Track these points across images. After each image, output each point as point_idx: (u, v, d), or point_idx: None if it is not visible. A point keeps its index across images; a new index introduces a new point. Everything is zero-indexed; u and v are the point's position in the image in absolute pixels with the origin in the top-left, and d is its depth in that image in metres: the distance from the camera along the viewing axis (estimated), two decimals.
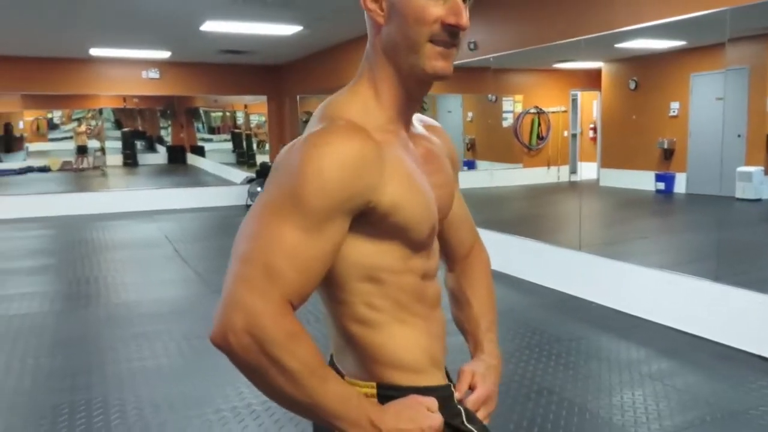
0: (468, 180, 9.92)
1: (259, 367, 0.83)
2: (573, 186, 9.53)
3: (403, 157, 0.96)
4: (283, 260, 0.83)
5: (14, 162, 14.74)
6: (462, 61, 6.31)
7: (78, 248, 7.22)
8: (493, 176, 9.38)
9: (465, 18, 0.94)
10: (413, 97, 1.01)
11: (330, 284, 0.95)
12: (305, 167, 0.84)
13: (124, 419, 2.92)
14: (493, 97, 9.26)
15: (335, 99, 0.99)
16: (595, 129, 9.72)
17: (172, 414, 2.98)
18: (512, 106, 9.58)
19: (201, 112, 16.14)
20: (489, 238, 6.06)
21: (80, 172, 14.37)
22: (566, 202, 8.63)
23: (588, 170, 9.39)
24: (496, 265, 5.41)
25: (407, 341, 0.99)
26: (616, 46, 6.85)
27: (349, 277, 0.94)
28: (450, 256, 1.25)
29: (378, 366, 0.98)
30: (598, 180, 8.77)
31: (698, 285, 3.96)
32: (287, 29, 7.25)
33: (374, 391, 0.98)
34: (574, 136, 9.84)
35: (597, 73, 8.71)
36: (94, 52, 8.95)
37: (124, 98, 13.27)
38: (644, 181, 7.61)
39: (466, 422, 1.03)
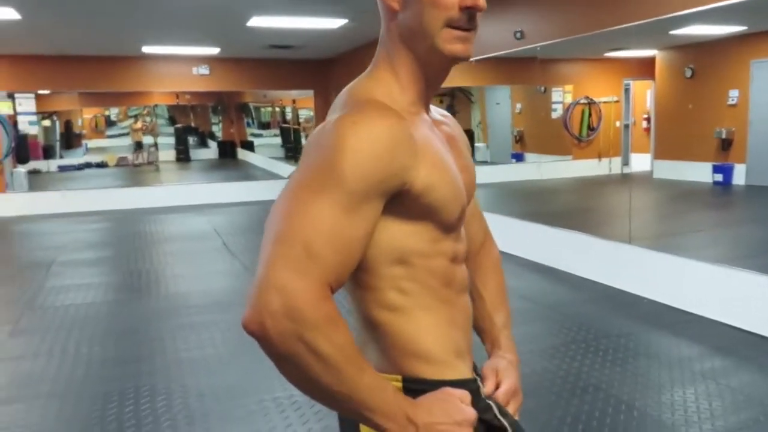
0: (516, 172, 9.77)
1: (295, 354, 0.78)
2: (625, 178, 9.26)
3: (432, 137, 0.96)
4: (323, 239, 0.79)
5: (74, 158, 15.31)
6: (508, 51, 6.21)
7: (132, 241, 7.44)
8: (541, 168, 9.21)
9: None
10: (432, 81, 0.99)
11: (358, 269, 0.92)
12: (343, 145, 0.82)
13: (170, 407, 2.99)
14: (542, 88, 9.09)
15: (358, 84, 0.98)
16: (648, 119, 9.42)
17: (216, 403, 3.04)
18: (562, 96, 9.37)
19: (251, 107, 16.40)
20: (536, 231, 5.94)
21: (136, 168, 14.81)
22: (617, 195, 8.39)
23: (641, 162, 9.11)
24: (542, 258, 5.30)
25: (434, 331, 0.96)
26: (671, 32, 6.61)
27: (379, 260, 0.92)
28: None
29: (404, 357, 0.96)
30: (651, 172, 8.50)
31: (756, 280, 3.78)
32: (333, 23, 7.28)
33: (400, 384, 0.95)
34: (626, 126, 9.56)
35: (650, 61, 8.43)
36: (147, 49, 9.19)
37: (177, 95, 13.60)
38: (700, 172, 7.34)
39: (499, 416, 1.00)
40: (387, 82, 0.96)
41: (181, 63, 10.19)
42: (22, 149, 10.88)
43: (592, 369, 3.32)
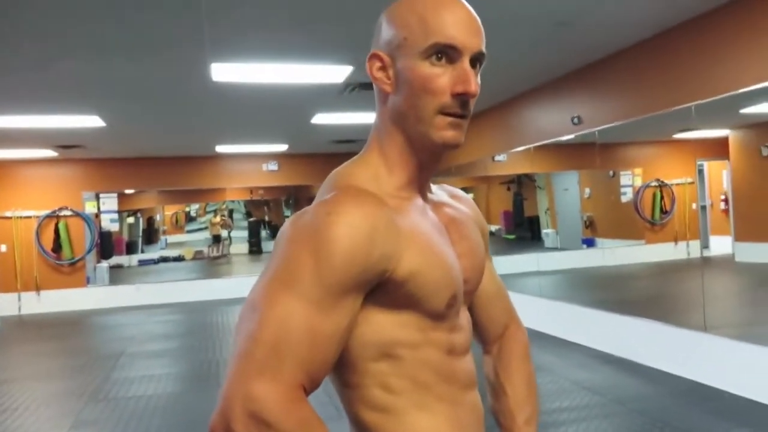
0: (587, 259, 9.45)
1: None
2: (705, 262, 8.77)
3: (420, 222, 0.90)
4: (294, 339, 0.75)
5: (154, 252, 16.06)
6: (567, 137, 6.17)
7: (201, 332, 7.57)
8: (614, 254, 8.87)
9: (474, 85, 0.88)
10: (425, 166, 0.95)
11: (340, 366, 0.87)
12: (317, 236, 0.78)
13: None
14: (611, 172, 8.92)
15: (343, 169, 0.95)
16: (726, 200, 9.01)
17: None
18: (631, 180, 9.14)
19: None
20: (606, 319, 5.65)
21: (213, 260, 15.35)
22: (695, 280, 7.93)
23: (721, 245, 8.62)
24: (612, 349, 5.00)
25: (430, 431, 0.87)
26: (741, 111, 6.41)
27: (361, 356, 0.86)
28: (482, 337, 1.14)
29: None
30: (733, 254, 8.02)
31: None
32: None
33: None
34: (703, 208, 9.17)
35: (724, 141, 8.14)
36: (220, 149, 9.73)
37: (251, 190, 14.20)
38: None
39: None
40: (375, 165, 0.93)
41: (252, 160, 10.69)
42: (106, 245, 11.54)
43: None
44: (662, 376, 4.60)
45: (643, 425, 3.64)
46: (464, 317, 0.97)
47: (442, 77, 0.88)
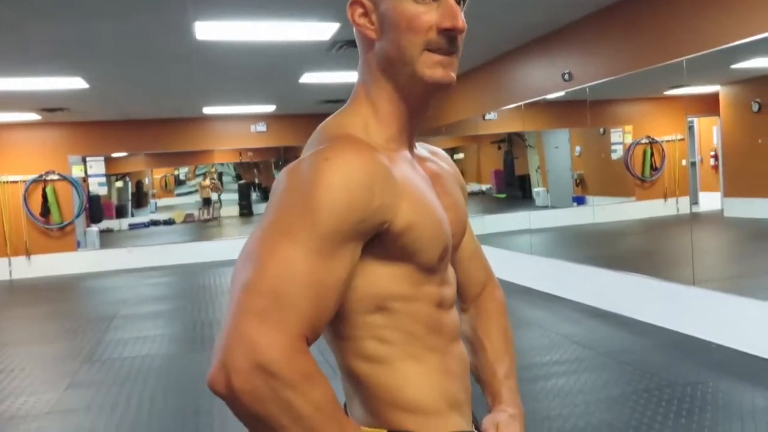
0: (577, 216, 9.50)
1: (268, 415, 0.69)
2: (694, 218, 8.83)
3: (411, 174, 0.89)
4: (296, 287, 0.72)
5: (143, 216, 15.99)
6: (558, 94, 6.12)
7: (193, 294, 7.59)
8: (604, 211, 8.92)
9: (461, 20, 0.86)
10: (415, 113, 0.93)
11: (335, 318, 0.85)
12: (316, 183, 0.76)
13: None
14: (602, 130, 8.89)
15: (332, 120, 0.93)
16: (716, 156, 9.02)
17: None
18: (622, 137, 9.12)
19: None
20: (595, 275, 5.70)
21: (203, 223, 15.31)
22: (684, 235, 8.00)
23: (710, 201, 8.66)
24: (601, 303, 5.05)
25: (421, 380, 0.88)
26: (732, 67, 6.36)
27: (356, 309, 0.85)
28: (460, 295, 1.14)
29: (388, 409, 0.87)
30: (722, 210, 8.08)
31: None
32: None
33: None
34: (693, 164, 9.18)
35: (715, 97, 8.11)
36: (207, 110, 9.61)
37: (240, 152, 14.08)
38: None
39: None
40: (364, 116, 0.91)
41: (240, 121, 10.57)
42: (95, 209, 11.45)
43: (654, 421, 3.08)
44: (651, 329, 4.67)
45: (632, 376, 3.71)
46: (451, 272, 0.97)
47: (427, 14, 0.85)
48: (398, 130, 0.92)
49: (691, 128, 9.17)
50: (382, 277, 0.85)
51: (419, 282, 0.87)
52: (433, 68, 0.87)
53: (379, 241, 0.82)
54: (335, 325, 0.87)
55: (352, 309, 0.85)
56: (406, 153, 0.93)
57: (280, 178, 0.82)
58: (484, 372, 1.09)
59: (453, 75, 0.89)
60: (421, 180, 0.91)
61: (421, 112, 0.94)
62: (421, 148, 1.04)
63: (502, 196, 10.01)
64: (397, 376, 0.87)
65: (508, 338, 1.13)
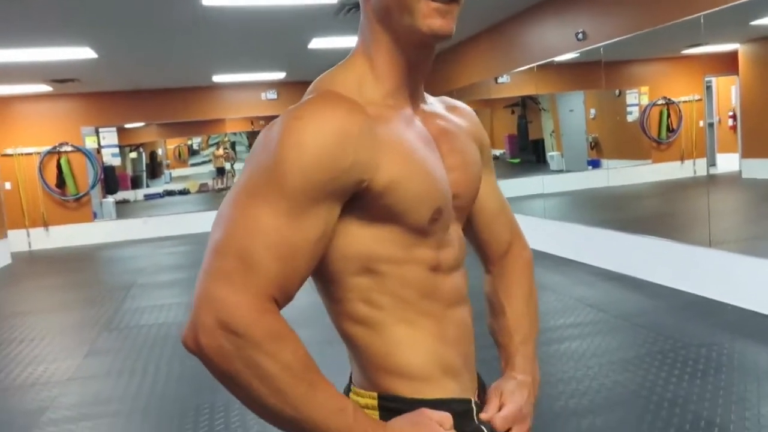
0: (592, 180, 9.39)
1: (235, 374, 0.71)
2: (711, 180, 8.70)
3: (404, 132, 0.85)
4: (262, 248, 0.72)
5: (158, 186, 16.08)
6: (572, 54, 5.99)
7: None
8: (619, 174, 8.81)
9: None
10: (415, 67, 0.89)
11: (324, 280, 0.86)
12: (284, 142, 0.75)
13: (243, 422, 2.99)
14: (617, 92, 8.72)
15: (326, 75, 0.90)
16: (734, 117, 8.84)
17: None
18: (637, 99, 8.96)
19: None
20: (609, 238, 5.66)
21: (218, 192, 15.38)
22: (701, 197, 7.91)
23: (728, 162, 8.52)
24: (616, 266, 5.01)
25: (412, 345, 0.86)
26: (752, 23, 6.17)
27: (343, 270, 0.83)
28: (484, 256, 1.11)
29: (379, 373, 0.86)
30: (740, 172, 7.94)
31: None
32: None
33: (375, 402, 0.86)
34: (711, 125, 9.00)
35: (733, 56, 7.90)
36: (217, 78, 9.55)
37: (252, 121, 14.02)
38: None
39: None
40: (360, 71, 0.88)
41: (250, 89, 10.51)
42: (110, 181, 11.51)
43: (668, 382, 3.07)
44: (666, 291, 4.65)
45: (647, 338, 3.69)
46: (455, 233, 0.93)
47: None
48: (396, 85, 0.88)
49: (708, 88, 8.96)
50: (365, 239, 0.82)
51: (409, 245, 0.84)
52: (430, 17, 0.83)
53: (360, 200, 0.80)
54: (326, 286, 0.86)
55: (339, 269, 0.83)
56: (407, 110, 0.90)
57: (258, 138, 0.81)
58: (501, 336, 1.06)
59: (452, 24, 0.85)
60: (417, 137, 0.87)
61: (421, 65, 0.90)
62: (438, 104, 1.01)
63: (516, 161, 9.92)
64: (388, 340, 0.85)
65: (530, 301, 1.09)
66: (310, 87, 0.89)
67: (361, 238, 0.82)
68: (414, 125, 0.89)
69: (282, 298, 0.75)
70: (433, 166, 0.86)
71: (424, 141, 0.89)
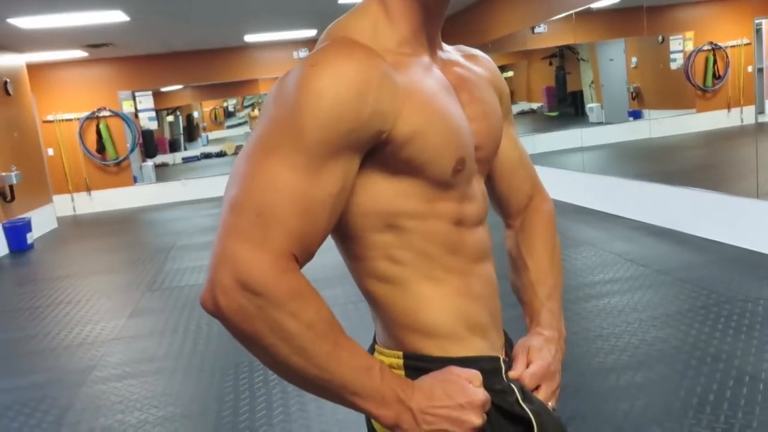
0: (633, 132, 9.11)
1: (256, 334, 0.69)
2: (759, 128, 8.34)
3: (423, 80, 0.81)
4: (280, 203, 0.69)
5: (196, 149, 16.26)
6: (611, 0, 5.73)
7: None
8: (661, 125, 8.52)
9: None
10: (431, 11, 0.84)
11: (344, 238, 0.83)
12: (300, 92, 0.71)
13: (281, 379, 3.05)
14: (660, 38, 8.37)
15: (338, 22, 0.85)
16: None
17: None
18: (682, 45, 8.58)
19: None
20: (651, 191, 5.51)
21: None
22: (748, 147, 7.60)
23: None
24: (658, 220, 4.87)
25: (437, 302, 0.83)
26: None
27: (365, 227, 0.80)
28: (504, 209, 1.06)
29: (404, 331, 0.84)
30: None
31: None
32: None
33: (401, 361, 0.84)
34: (760, 71, 8.59)
35: None
36: (249, 38, 9.49)
37: None
38: None
39: (521, 401, 0.84)
40: (374, 17, 0.82)
41: (282, 48, 10.43)
42: (149, 144, 11.68)
43: (712, 338, 3.00)
44: (709, 244, 4.51)
45: (689, 293, 3.60)
46: (477, 186, 0.89)
47: None
48: (412, 31, 0.83)
49: (758, 31, 8.52)
50: (388, 193, 0.79)
51: (432, 198, 0.81)
52: None
53: (380, 152, 0.76)
54: (347, 245, 0.84)
55: (360, 226, 0.80)
56: (424, 58, 0.85)
57: (271, 89, 0.76)
58: (525, 292, 1.03)
59: None
60: (437, 85, 0.83)
61: (439, 9, 0.85)
62: (456, 52, 0.96)
63: (554, 114, 9.66)
64: (413, 297, 0.82)
65: (554, 255, 1.05)
66: (323, 35, 0.84)
67: (382, 193, 0.79)
68: (433, 73, 0.85)
69: (302, 255, 0.72)
70: (454, 115, 0.82)
71: (444, 89, 0.84)
